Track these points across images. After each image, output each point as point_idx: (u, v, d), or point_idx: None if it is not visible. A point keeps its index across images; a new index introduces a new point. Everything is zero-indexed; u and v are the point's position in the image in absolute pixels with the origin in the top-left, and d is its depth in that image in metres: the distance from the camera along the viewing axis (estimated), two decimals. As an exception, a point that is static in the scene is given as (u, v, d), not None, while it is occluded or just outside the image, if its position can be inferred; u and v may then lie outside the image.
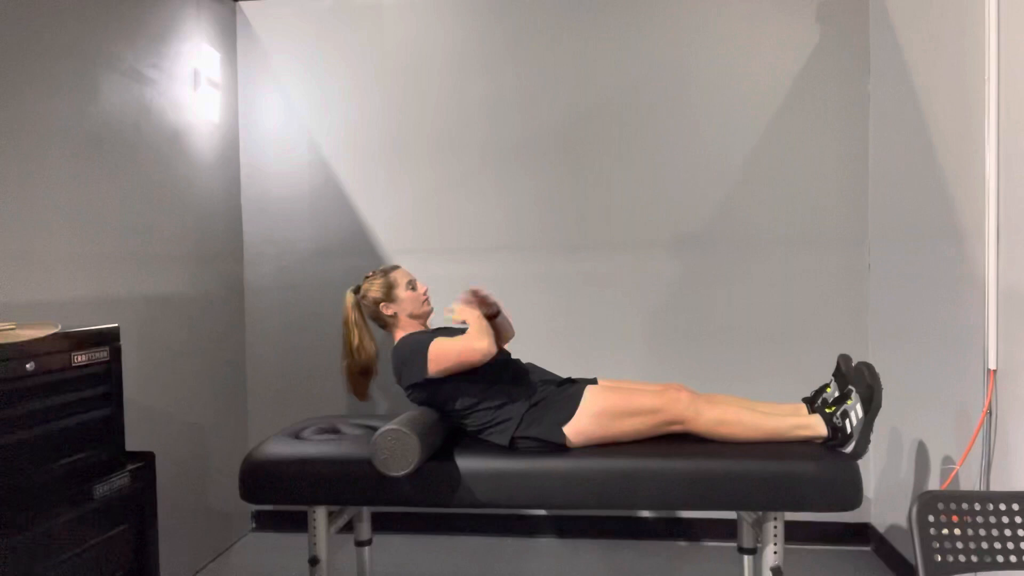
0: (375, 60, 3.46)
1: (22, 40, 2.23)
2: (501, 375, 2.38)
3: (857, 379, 2.18)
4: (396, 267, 2.58)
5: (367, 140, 3.48)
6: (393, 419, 2.20)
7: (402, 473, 2.09)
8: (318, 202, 3.51)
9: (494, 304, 2.50)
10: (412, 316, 2.51)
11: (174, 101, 3.01)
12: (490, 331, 2.32)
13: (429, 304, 2.57)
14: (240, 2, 3.53)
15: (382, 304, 2.50)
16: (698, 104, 3.28)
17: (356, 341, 2.50)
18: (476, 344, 2.26)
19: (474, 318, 2.35)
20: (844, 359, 2.30)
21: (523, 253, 3.39)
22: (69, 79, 2.42)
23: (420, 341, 2.35)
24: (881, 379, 2.16)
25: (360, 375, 2.53)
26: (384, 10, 3.46)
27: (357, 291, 2.55)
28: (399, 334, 2.49)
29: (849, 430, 2.14)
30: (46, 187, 2.31)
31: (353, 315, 2.52)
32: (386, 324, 2.54)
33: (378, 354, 2.55)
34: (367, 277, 2.57)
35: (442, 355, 2.28)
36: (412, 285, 2.54)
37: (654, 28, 3.30)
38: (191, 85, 3.14)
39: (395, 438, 2.08)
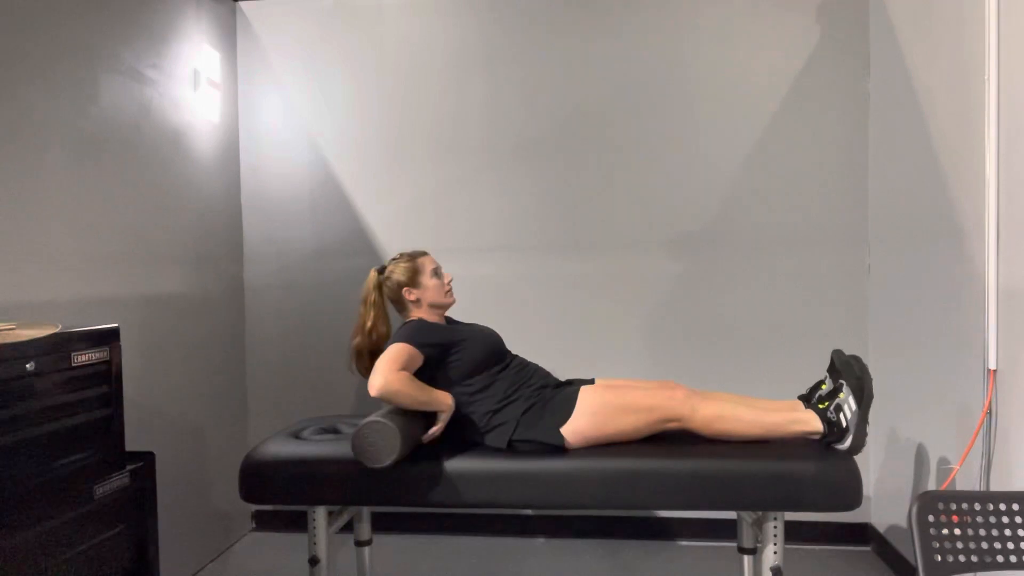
0: (375, 60, 3.46)
1: (22, 40, 2.23)
2: (498, 377, 2.37)
3: (847, 372, 2.18)
4: (424, 253, 2.54)
5: (367, 140, 3.48)
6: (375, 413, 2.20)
7: (385, 464, 2.08)
8: (318, 202, 3.51)
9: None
10: (433, 305, 2.47)
11: (174, 101, 3.01)
12: (399, 398, 2.17)
13: (452, 296, 2.52)
14: (240, 2, 3.53)
15: (405, 288, 2.46)
16: (697, 104, 3.28)
17: (370, 323, 2.47)
18: (378, 376, 2.15)
19: (429, 398, 2.23)
20: (837, 354, 2.30)
21: (522, 253, 3.40)
22: (69, 79, 2.42)
23: (411, 333, 2.31)
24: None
25: (369, 356, 2.48)
26: (384, 10, 3.46)
27: (382, 271, 2.51)
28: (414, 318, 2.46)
29: (844, 424, 2.14)
30: (46, 187, 2.31)
31: (373, 295, 2.48)
32: (405, 308, 2.50)
33: (390, 337, 2.50)
34: (394, 259, 2.52)
35: (385, 353, 2.24)
36: (438, 273, 2.49)
37: (653, 28, 3.30)
38: (191, 85, 3.14)
39: (375, 430, 2.08)
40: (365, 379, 2.38)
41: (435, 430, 2.27)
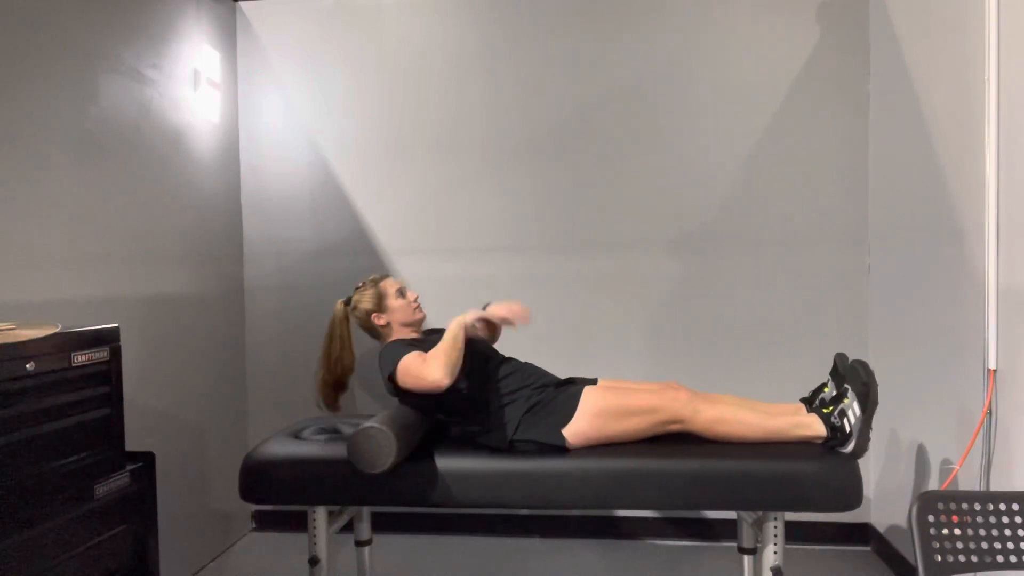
0: (375, 60, 3.46)
1: (22, 40, 2.23)
2: (497, 377, 2.37)
3: (852, 377, 2.18)
4: (385, 276, 2.60)
5: (367, 140, 3.48)
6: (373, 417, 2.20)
7: (382, 469, 2.08)
8: (318, 202, 3.51)
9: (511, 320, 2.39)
10: (404, 324, 2.52)
11: (174, 101, 3.01)
12: (452, 359, 2.22)
13: (421, 311, 2.56)
14: (240, 2, 3.53)
15: (374, 315, 2.50)
16: (697, 104, 3.28)
17: (336, 353, 2.51)
18: (429, 376, 2.19)
19: (451, 335, 2.27)
20: (841, 358, 2.30)
21: (523, 253, 3.40)
22: (69, 79, 2.42)
23: (397, 350, 2.32)
24: (878, 377, 2.16)
25: (332, 387, 2.54)
26: (384, 10, 3.46)
27: (348, 302, 2.56)
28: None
29: (848, 429, 2.14)
30: (46, 187, 2.31)
31: (339, 328, 2.52)
32: (379, 334, 2.54)
33: (355, 368, 2.56)
34: (357, 288, 2.58)
35: (405, 374, 2.25)
36: (402, 293, 2.54)
37: (654, 28, 3.30)
38: (191, 85, 3.14)
39: (371, 436, 2.08)
40: (332, 412, 2.55)
41: (481, 319, 2.38)
